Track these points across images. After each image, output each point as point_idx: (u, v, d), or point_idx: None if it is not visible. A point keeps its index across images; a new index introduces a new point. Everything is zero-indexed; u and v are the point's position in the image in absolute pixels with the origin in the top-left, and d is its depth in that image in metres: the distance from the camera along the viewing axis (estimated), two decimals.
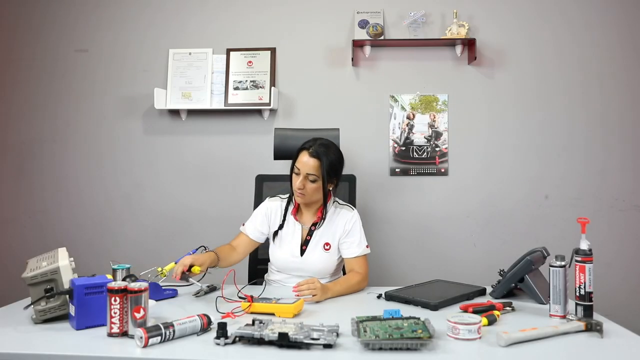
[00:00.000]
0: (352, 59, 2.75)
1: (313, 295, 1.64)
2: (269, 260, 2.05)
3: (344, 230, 1.94)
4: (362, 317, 1.35)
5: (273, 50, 2.84)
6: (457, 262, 2.76)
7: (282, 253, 1.95)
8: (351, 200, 2.27)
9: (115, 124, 2.93)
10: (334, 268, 1.97)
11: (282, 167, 2.32)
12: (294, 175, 1.90)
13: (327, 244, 1.93)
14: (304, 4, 2.85)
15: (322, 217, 1.94)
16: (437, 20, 2.78)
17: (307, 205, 1.97)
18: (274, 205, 2.01)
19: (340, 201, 2.03)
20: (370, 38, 2.73)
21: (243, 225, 2.01)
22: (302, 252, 1.93)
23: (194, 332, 1.30)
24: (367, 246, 1.95)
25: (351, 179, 2.31)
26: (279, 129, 2.34)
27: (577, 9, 2.75)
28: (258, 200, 2.25)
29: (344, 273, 2.02)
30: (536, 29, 2.76)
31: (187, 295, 1.74)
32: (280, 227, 1.97)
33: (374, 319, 1.34)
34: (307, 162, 1.86)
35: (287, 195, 2.03)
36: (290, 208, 1.99)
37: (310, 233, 1.95)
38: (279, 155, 2.27)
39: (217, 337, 1.23)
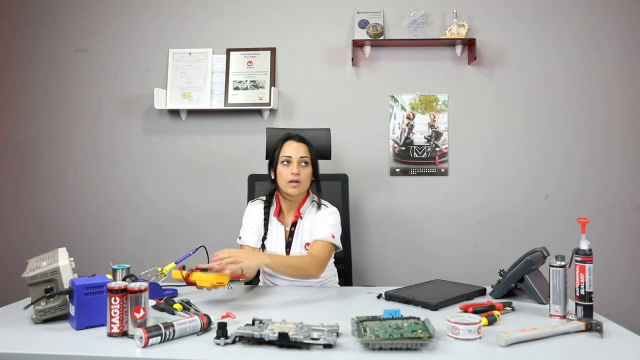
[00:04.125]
0: (352, 59, 2.75)
1: (237, 263, 1.55)
2: None
3: (319, 223, 1.88)
4: (362, 317, 1.35)
5: (273, 50, 2.84)
6: (457, 262, 2.76)
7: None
8: (344, 199, 2.26)
9: (115, 123, 2.93)
10: None
11: None
12: (281, 166, 1.87)
13: (307, 244, 1.89)
14: (304, 4, 2.85)
15: (300, 216, 1.91)
16: (437, 20, 2.78)
17: (290, 204, 1.92)
18: (257, 210, 1.97)
19: (324, 202, 1.97)
20: (370, 38, 2.73)
21: (240, 238, 1.96)
22: (287, 254, 1.90)
23: (194, 332, 1.30)
24: (333, 236, 1.84)
25: (343, 179, 2.30)
26: (270, 129, 2.34)
27: (578, 9, 2.75)
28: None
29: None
30: (536, 28, 2.76)
31: (187, 295, 1.74)
32: (266, 231, 1.93)
33: (374, 319, 1.34)
34: (297, 147, 1.87)
35: (267, 198, 1.97)
36: (273, 209, 1.94)
37: (291, 234, 1.91)
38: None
39: (217, 337, 1.23)
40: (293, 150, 1.87)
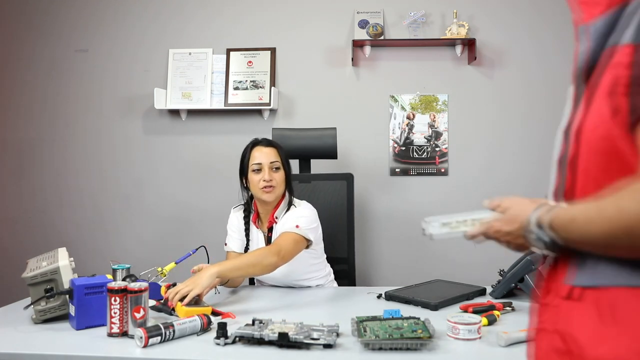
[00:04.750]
0: (352, 59, 2.75)
1: (188, 293, 1.48)
2: None
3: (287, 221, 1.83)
4: (362, 317, 1.35)
5: (273, 50, 2.84)
6: (457, 262, 2.76)
7: None
8: (349, 199, 2.26)
9: (115, 124, 2.93)
10: (301, 270, 1.87)
11: None
12: (252, 174, 1.83)
13: None
14: (304, 4, 2.85)
15: (275, 220, 1.86)
16: (437, 20, 2.78)
17: (266, 209, 1.89)
18: (238, 216, 1.96)
19: (296, 201, 1.92)
20: (370, 38, 2.73)
21: (226, 244, 1.96)
22: None
23: (194, 332, 1.30)
24: (297, 226, 1.76)
25: (349, 178, 2.30)
26: (277, 129, 2.35)
27: None
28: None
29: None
30: (536, 28, 2.76)
31: None
32: (247, 240, 1.91)
33: (374, 319, 1.34)
34: (267, 152, 1.84)
35: (246, 205, 1.95)
36: (251, 216, 1.93)
37: (269, 240, 1.88)
38: None
39: (217, 337, 1.23)
40: (263, 156, 1.84)
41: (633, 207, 0.61)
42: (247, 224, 1.92)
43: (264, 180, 1.80)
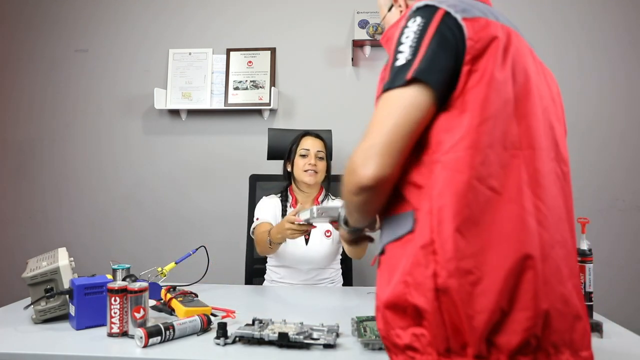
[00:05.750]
0: (352, 59, 2.75)
1: None
2: (265, 261, 2.08)
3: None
4: (362, 317, 1.35)
5: (273, 50, 2.84)
6: None
7: (287, 245, 1.95)
8: None
9: (115, 123, 2.93)
10: (336, 255, 2.05)
11: (276, 167, 2.32)
12: (299, 158, 2.00)
13: (327, 230, 1.99)
14: (304, 4, 2.85)
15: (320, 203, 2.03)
16: None
17: (306, 196, 2.04)
18: (274, 201, 2.07)
19: (333, 197, 2.11)
20: (370, 38, 2.73)
21: (257, 219, 2.00)
22: (307, 241, 1.98)
23: (194, 332, 1.30)
24: None
25: None
26: (272, 129, 2.37)
27: (575, 10, 2.75)
28: (252, 200, 2.25)
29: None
30: (534, 29, 2.76)
31: None
32: None
33: (374, 319, 1.34)
34: (314, 142, 2.03)
35: (281, 193, 2.09)
36: (289, 202, 2.05)
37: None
38: (273, 155, 2.30)
39: (217, 337, 1.23)
40: (311, 144, 2.02)
41: (354, 157, 0.89)
42: (284, 209, 2.03)
43: (309, 164, 1.97)
